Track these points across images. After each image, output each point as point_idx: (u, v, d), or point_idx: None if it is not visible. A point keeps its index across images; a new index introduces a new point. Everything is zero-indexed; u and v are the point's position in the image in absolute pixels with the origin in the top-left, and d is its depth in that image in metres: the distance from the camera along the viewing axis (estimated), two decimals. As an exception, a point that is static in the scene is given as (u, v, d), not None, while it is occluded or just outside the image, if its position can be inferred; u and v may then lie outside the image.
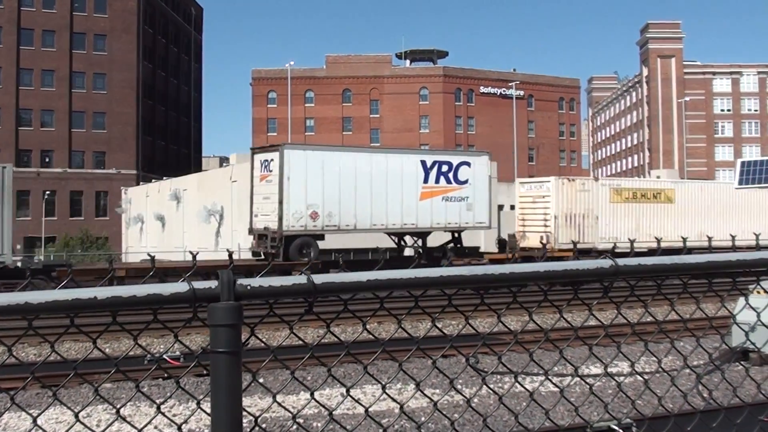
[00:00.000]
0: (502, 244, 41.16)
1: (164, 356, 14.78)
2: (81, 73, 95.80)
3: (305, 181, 33.10)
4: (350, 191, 33.88)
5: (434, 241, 38.49)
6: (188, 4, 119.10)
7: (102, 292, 2.35)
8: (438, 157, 37.36)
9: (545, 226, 38.69)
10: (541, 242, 38.38)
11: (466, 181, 36.86)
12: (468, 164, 37.23)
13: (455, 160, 37.28)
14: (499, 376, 13.36)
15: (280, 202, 32.71)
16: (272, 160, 33.49)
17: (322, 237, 34.95)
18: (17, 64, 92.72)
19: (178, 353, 14.60)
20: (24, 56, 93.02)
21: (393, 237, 37.64)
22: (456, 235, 37.99)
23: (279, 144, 34.65)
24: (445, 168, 36.58)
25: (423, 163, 36.12)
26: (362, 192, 34.23)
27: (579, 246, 38.27)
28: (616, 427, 8.94)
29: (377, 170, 34.73)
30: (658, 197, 41.65)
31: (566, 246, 37.98)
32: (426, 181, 35.96)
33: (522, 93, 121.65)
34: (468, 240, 39.50)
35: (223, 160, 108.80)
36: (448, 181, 36.57)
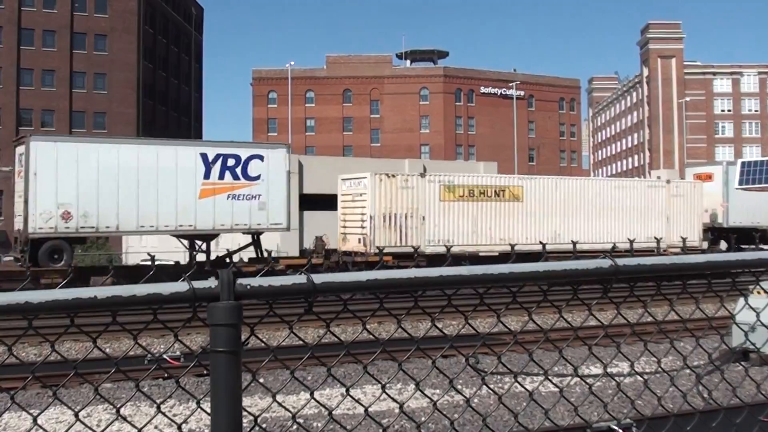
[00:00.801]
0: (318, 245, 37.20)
1: (164, 356, 14.79)
2: (81, 73, 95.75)
3: (56, 177, 29.60)
4: (111, 188, 30.45)
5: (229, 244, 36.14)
6: (189, 4, 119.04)
7: (102, 292, 2.36)
8: (222, 149, 33.49)
9: (362, 227, 35.36)
10: (361, 244, 35.25)
11: (257, 177, 33.46)
12: (260, 158, 33.80)
13: (244, 153, 33.65)
14: (499, 377, 13.36)
15: (26, 201, 29.45)
16: (23, 153, 30.33)
17: (80, 240, 32.61)
18: (18, 64, 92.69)
19: (178, 353, 14.61)
20: (24, 56, 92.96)
21: (182, 240, 34.77)
22: (255, 237, 34.80)
23: (25, 135, 31.61)
24: (231, 162, 33.10)
25: (203, 156, 32.67)
26: (127, 189, 30.81)
27: (400, 250, 34.44)
28: (616, 427, 8.94)
29: (146, 164, 31.30)
30: (502, 195, 37.18)
31: (392, 249, 34.41)
32: (207, 176, 32.59)
33: (522, 93, 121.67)
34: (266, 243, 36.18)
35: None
36: (236, 177, 33.15)
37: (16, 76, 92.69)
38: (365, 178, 35.74)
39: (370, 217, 34.84)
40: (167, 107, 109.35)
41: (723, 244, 45.75)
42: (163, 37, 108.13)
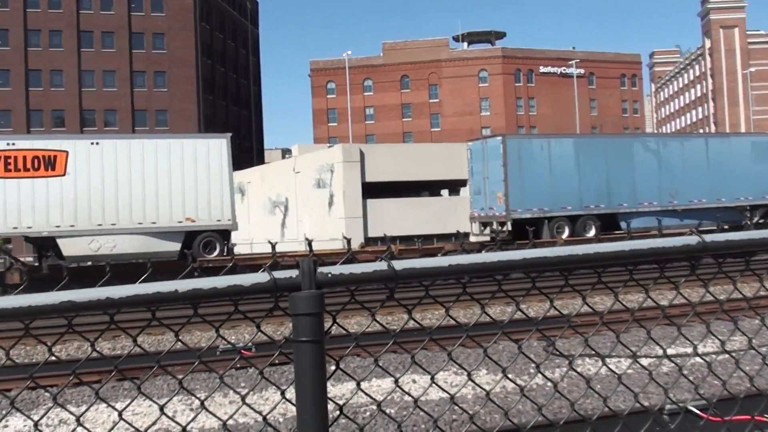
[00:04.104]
0: None
1: (236, 346, 14.91)
2: (141, 72, 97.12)
3: None
4: None
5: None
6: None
7: (183, 285, 2.35)
8: None
9: None
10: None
11: None
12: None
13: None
14: (581, 359, 13.21)
15: None
16: None
17: None
18: (78, 66, 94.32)
19: (249, 344, 14.71)
20: (84, 58, 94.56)
21: None
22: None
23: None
24: None
25: None
26: None
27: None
28: (693, 408, 8.75)
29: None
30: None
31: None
32: None
33: (582, 71, 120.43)
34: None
35: (286, 152, 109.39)
36: None
37: (77, 78, 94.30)
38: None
39: None
40: (227, 102, 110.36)
41: None
42: (219, 32, 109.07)
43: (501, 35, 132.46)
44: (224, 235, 33.36)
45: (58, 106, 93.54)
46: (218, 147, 33.30)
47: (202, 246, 32.55)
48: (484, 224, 39.20)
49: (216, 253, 32.82)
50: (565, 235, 36.52)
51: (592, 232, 37.05)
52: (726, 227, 37.05)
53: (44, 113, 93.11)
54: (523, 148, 37.28)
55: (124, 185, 31.38)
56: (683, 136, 49.62)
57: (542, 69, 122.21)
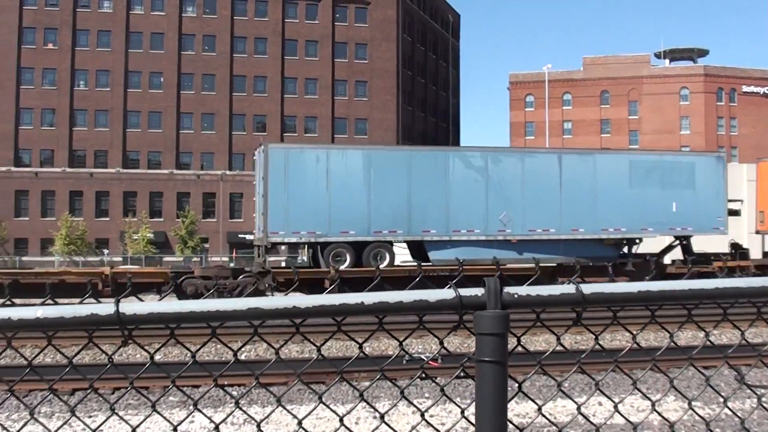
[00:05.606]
0: None
1: (423, 356, 15.01)
2: (343, 81, 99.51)
3: None
4: None
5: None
6: (445, 11, 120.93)
7: (369, 298, 2.39)
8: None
9: None
10: None
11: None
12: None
13: None
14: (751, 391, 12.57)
15: None
16: None
17: None
18: (282, 73, 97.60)
19: (436, 355, 14.77)
20: (288, 66, 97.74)
21: None
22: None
23: None
24: None
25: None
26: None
27: None
28: None
29: None
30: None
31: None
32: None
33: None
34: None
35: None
36: None
37: (281, 85, 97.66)
38: None
39: None
40: (425, 113, 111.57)
41: None
42: (421, 44, 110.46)
43: (704, 53, 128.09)
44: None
45: (260, 112, 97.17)
46: None
47: None
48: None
49: None
50: (346, 264, 30.46)
51: (386, 262, 30.89)
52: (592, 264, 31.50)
53: (246, 117, 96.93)
54: (291, 159, 31.04)
55: None
56: (525, 151, 38.64)
57: (745, 88, 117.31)
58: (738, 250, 35.10)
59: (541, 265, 30.88)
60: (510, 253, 32.14)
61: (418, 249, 32.34)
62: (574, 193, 32.50)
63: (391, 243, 31.60)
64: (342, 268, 29.93)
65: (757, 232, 39.26)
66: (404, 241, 32.50)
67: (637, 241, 34.06)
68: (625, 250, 34.09)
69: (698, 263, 32.85)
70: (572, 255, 32.01)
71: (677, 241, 34.50)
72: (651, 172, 33.38)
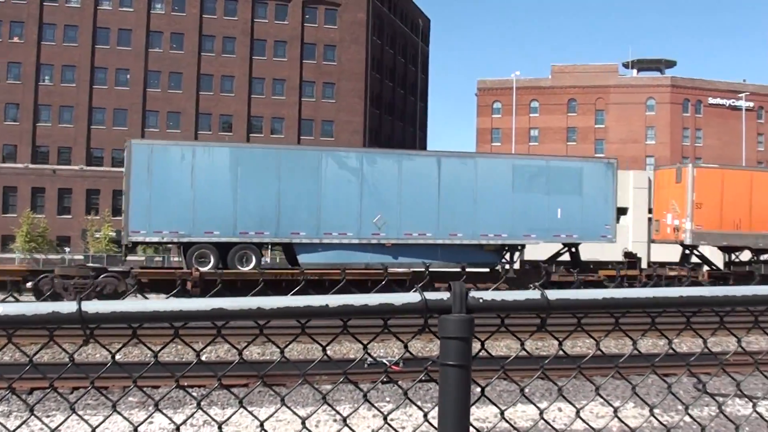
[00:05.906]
0: None
1: (384, 360, 15.01)
2: (311, 83, 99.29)
3: None
4: None
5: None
6: (416, 15, 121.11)
7: (334, 300, 2.38)
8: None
9: None
10: None
11: None
12: None
13: None
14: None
15: None
16: None
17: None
18: (249, 73, 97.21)
19: (398, 359, 14.78)
20: (256, 66, 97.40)
21: None
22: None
23: None
24: None
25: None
26: None
27: None
28: None
29: None
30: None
31: None
32: None
33: (752, 104, 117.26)
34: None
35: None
36: None
37: (248, 85, 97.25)
38: None
39: None
40: (393, 116, 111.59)
41: None
42: (390, 47, 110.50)
43: (671, 64, 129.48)
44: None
45: (227, 111, 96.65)
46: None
47: None
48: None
49: None
50: (209, 266, 29.74)
51: (251, 265, 30.34)
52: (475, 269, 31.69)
53: (212, 117, 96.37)
54: (156, 155, 29.97)
55: None
56: (403, 153, 36.74)
57: (711, 100, 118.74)
58: (630, 259, 35.26)
59: (414, 270, 30.98)
60: (384, 257, 31.42)
61: (286, 251, 31.88)
62: (452, 197, 32.01)
63: (258, 245, 30.92)
64: (205, 269, 29.33)
65: (653, 242, 39.15)
66: (272, 243, 31.98)
67: (519, 248, 33.67)
68: (507, 257, 33.63)
69: (585, 272, 32.89)
70: (450, 260, 31.84)
71: (565, 249, 34.22)
72: (535, 178, 32.95)
